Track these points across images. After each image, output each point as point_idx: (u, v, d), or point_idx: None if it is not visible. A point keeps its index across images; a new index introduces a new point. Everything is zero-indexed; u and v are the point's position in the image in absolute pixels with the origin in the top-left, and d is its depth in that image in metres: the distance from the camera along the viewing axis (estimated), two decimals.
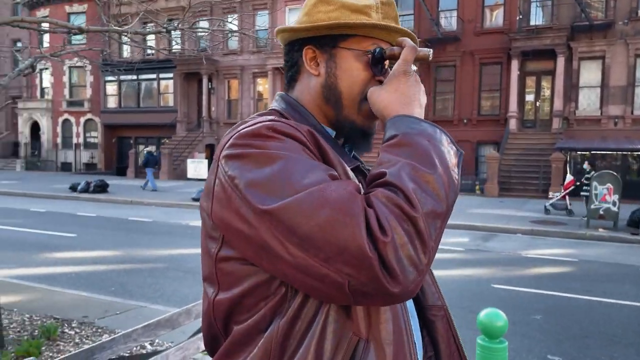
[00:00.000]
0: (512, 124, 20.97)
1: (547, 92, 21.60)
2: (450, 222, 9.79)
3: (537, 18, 21.40)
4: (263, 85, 25.74)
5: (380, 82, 0.99)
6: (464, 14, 22.15)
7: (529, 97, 21.96)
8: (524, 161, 19.85)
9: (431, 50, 0.99)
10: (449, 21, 22.79)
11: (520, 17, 21.05)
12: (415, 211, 0.75)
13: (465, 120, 22.36)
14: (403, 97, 0.92)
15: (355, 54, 0.98)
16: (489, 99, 22.55)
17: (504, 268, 8.22)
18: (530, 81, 21.84)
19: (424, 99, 0.94)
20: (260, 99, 25.93)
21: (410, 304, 0.97)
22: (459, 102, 22.48)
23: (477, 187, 19.71)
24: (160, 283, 6.80)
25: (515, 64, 20.67)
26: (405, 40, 0.96)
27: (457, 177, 0.84)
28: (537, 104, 21.88)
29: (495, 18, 22.24)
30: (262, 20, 25.17)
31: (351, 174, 0.90)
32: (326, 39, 0.99)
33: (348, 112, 1.00)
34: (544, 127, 21.14)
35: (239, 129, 0.88)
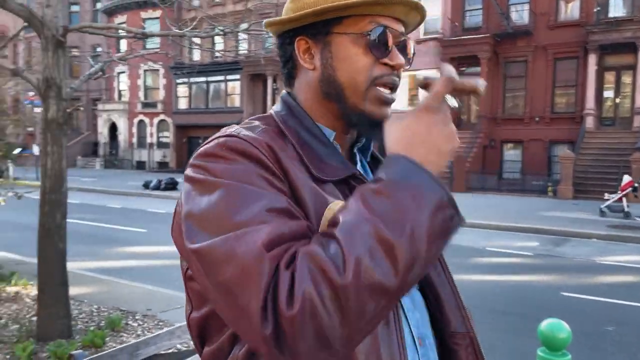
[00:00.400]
0: (589, 122, 19.78)
1: (627, 88, 20.17)
2: (518, 224, 9.47)
3: (616, 9, 20.05)
4: None
5: (386, 65, 0.87)
6: (537, 6, 21.14)
7: (608, 94, 20.62)
8: (601, 161, 18.65)
9: (484, 83, 0.81)
10: (520, 15, 21.83)
11: (598, 8, 19.79)
12: (344, 279, 0.62)
13: (537, 119, 21.34)
14: (414, 138, 0.75)
15: (351, 38, 0.86)
16: (563, 96, 21.40)
17: (576, 275, 7.74)
18: (610, 76, 20.49)
19: (448, 145, 0.77)
20: None
21: (427, 330, 0.89)
22: (531, 99, 21.49)
23: (549, 189, 18.74)
24: None
25: (592, 59, 19.47)
26: (445, 68, 0.79)
27: (433, 253, 0.68)
28: (617, 100, 20.50)
29: (571, 10, 21.06)
30: None
31: (324, 197, 0.79)
32: (318, 26, 0.87)
33: (354, 102, 0.87)
34: (624, 125, 19.78)
35: (207, 141, 0.83)
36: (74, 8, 34.99)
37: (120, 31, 4.89)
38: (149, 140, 32.67)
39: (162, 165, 31.80)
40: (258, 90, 27.43)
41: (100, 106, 34.29)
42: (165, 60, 26.71)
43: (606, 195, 14.14)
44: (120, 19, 31.18)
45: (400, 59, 0.88)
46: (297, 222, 0.72)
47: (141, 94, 32.88)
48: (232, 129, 0.82)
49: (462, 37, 21.59)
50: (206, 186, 0.74)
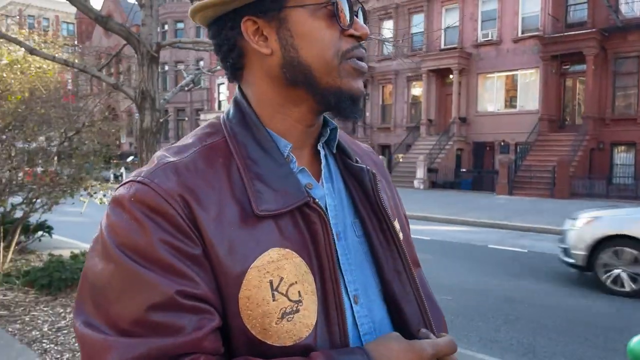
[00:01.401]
0: None
1: None
2: None
3: None
4: (418, 88, 25.44)
5: (352, 37, 0.78)
6: None
7: None
8: None
9: None
10: (630, 7, 20.01)
11: None
12: None
13: None
14: None
15: (310, 10, 0.75)
16: None
17: None
18: None
19: None
20: (414, 102, 25.67)
21: (365, 288, 0.85)
22: None
23: None
24: None
25: None
26: (449, 339, 0.77)
27: None
28: None
29: None
30: (417, 21, 24.90)
31: (249, 246, 0.71)
32: (267, 2, 0.75)
33: (327, 82, 0.77)
34: None
35: (126, 179, 0.75)
36: (179, 25, 37.61)
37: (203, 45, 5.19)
38: None
39: None
40: None
41: (202, 116, 36.48)
42: None
43: None
44: None
45: (365, 28, 0.79)
46: (171, 338, 0.65)
47: None
48: (149, 167, 0.74)
49: (565, 34, 20.23)
50: (105, 252, 0.69)
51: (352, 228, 0.85)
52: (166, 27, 36.65)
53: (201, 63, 34.66)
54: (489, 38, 22.87)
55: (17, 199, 6.28)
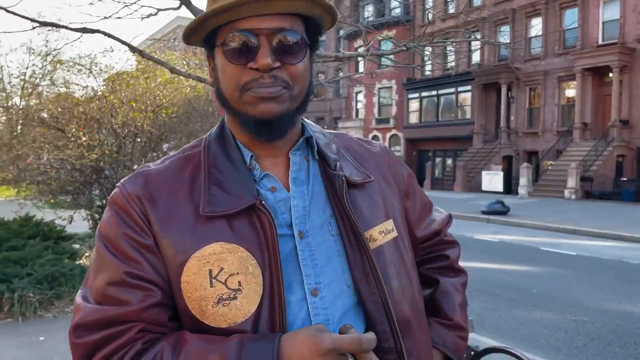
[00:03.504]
0: None
1: None
2: None
3: None
4: (571, 89, 23.28)
5: (252, 69, 0.84)
6: None
7: None
8: None
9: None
10: None
11: None
12: None
13: None
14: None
15: (219, 49, 0.88)
16: None
17: None
18: None
19: None
20: (566, 104, 23.50)
21: (330, 280, 0.89)
22: None
23: None
24: None
25: None
26: (368, 337, 0.77)
27: None
28: None
29: None
30: (570, 17, 22.88)
31: (193, 242, 0.83)
32: (208, 44, 0.92)
33: (236, 107, 0.89)
34: None
35: (117, 184, 0.93)
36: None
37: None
38: None
39: None
40: (491, 100, 26.24)
41: (340, 124, 37.53)
42: (400, 76, 27.85)
43: None
44: (359, 42, 33.65)
45: (264, 60, 0.83)
46: (119, 307, 0.81)
47: (375, 111, 34.87)
48: (129, 175, 0.93)
49: None
50: (96, 240, 0.89)
51: (328, 227, 0.92)
52: None
53: (340, 73, 35.72)
54: None
55: None
